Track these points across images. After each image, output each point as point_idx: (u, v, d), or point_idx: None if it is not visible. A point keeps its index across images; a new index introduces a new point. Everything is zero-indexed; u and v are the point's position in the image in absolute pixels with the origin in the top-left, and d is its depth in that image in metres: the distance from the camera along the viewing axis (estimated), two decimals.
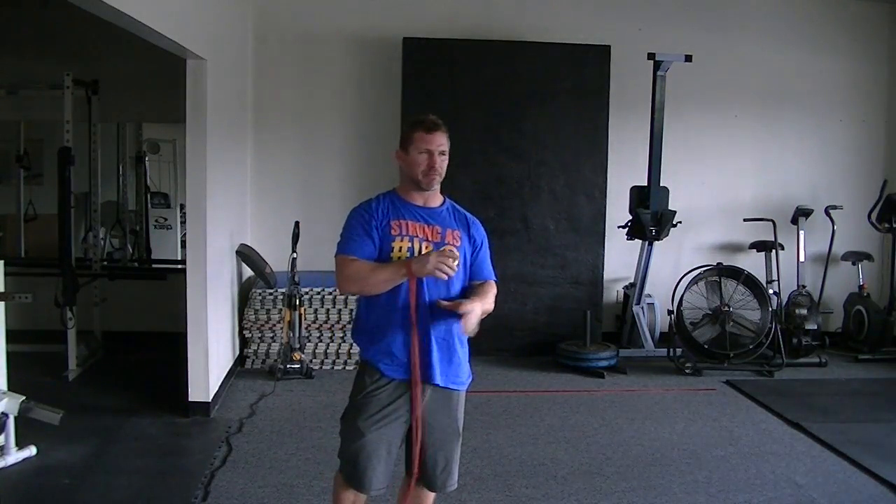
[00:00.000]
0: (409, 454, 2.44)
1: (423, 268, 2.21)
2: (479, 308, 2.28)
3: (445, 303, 2.29)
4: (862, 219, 6.29)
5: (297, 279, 5.27)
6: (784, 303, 6.09)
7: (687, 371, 5.59)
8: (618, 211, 5.99)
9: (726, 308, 5.68)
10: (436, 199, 2.44)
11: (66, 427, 3.67)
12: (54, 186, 5.23)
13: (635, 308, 5.96)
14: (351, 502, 2.43)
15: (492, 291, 2.42)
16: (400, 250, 2.31)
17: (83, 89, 5.54)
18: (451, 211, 2.46)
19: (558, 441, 4.19)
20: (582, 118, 5.99)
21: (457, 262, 2.27)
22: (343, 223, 2.41)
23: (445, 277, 2.21)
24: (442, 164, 2.36)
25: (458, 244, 2.38)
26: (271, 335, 5.43)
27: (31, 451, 3.68)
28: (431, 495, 2.54)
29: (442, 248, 2.27)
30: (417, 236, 2.34)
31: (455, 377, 2.40)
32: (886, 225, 6.12)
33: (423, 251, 2.31)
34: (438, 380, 2.35)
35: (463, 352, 2.44)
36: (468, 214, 2.50)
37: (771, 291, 5.88)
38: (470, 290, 2.40)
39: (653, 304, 6.13)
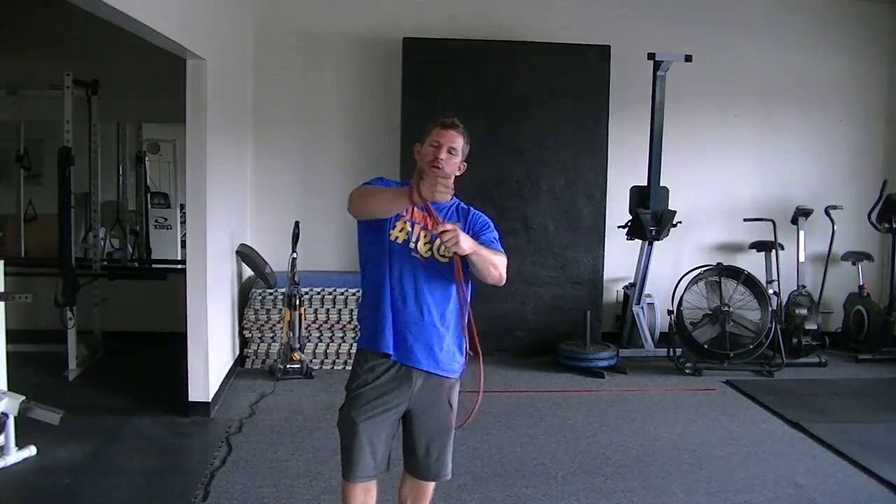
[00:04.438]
0: (404, 448, 2.50)
1: (428, 192, 2.15)
2: (467, 240, 2.22)
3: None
4: (862, 219, 6.29)
5: (297, 279, 5.27)
6: (784, 303, 6.09)
7: (687, 371, 5.59)
8: (618, 211, 6.00)
9: (726, 308, 5.68)
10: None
11: (66, 427, 3.68)
12: (54, 186, 5.23)
13: (635, 308, 5.96)
14: (361, 501, 2.45)
15: (494, 251, 2.38)
16: (401, 230, 2.36)
17: (83, 89, 5.54)
18: (455, 208, 2.50)
19: (558, 441, 4.19)
20: (582, 118, 5.99)
21: (451, 253, 2.26)
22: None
23: (445, 199, 2.16)
24: (449, 160, 2.39)
25: None
26: (271, 335, 5.43)
27: (31, 451, 3.69)
28: (430, 486, 2.58)
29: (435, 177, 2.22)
30: (418, 223, 2.38)
31: (445, 364, 2.42)
32: (886, 225, 6.12)
33: (421, 238, 2.37)
34: (427, 366, 2.38)
35: (453, 339, 2.45)
36: (472, 209, 2.53)
37: (771, 291, 5.88)
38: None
39: (653, 304, 6.13)
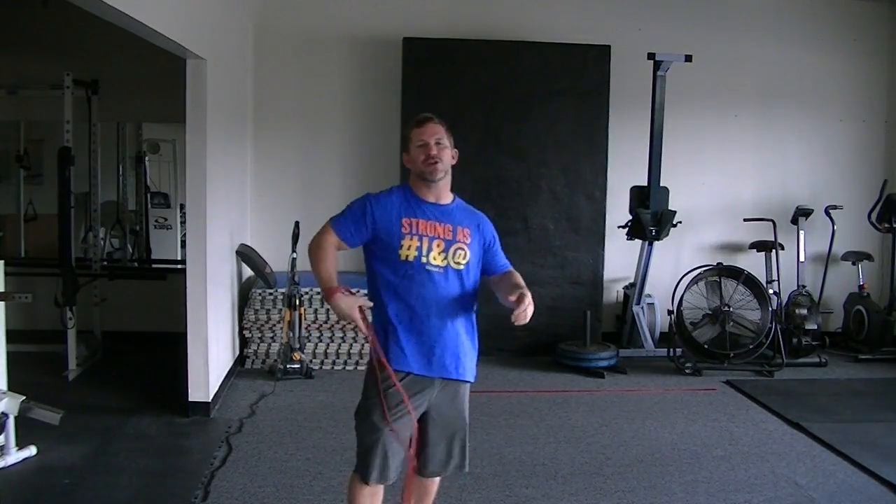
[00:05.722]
0: (421, 447, 2.51)
1: (338, 309, 2.35)
2: (530, 297, 2.31)
3: (512, 298, 2.31)
4: (862, 219, 6.28)
5: (297, 279, 5.27)
6: (784, 303, 6.09)
7: (687, 371, 5.59)
8: (618, 211, 5.99)
9: (726, 308, 5.68)
10: (446, 195, 2.47)
11: (66, 427, 3.67)
12: (54, 186, 5.23)
13: (635, 308, 5.95)
14: (369, 502, 2.47)
15: (520, 278, 2.48)
16: (409, 248, 2.34)
17: (83, 89, 5.54)
18: (461, 208, 2.50)
19: (558, 441, 4.19)
20: (582, 118, 5.99)
21: (466, 259, 2.38)
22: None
23: (350, 326, 2.26)
24: (441, 152, 2.39)
25: (469, 241, 2.42)
26: (271, 335, 5.43)
27: (31, 451, 3.68)
28: (435, 485, 2.62)
29: (360, 304, 2.36)
30: (428, 235, 2.36)
31: (468, 368, 2.45)
32: (886, 225, 6.11)
33: (434, 249, 2.35)
34: (452, 373, 2.41)
35: (471, 345, 2.48)
36: (477, 212, 2.54)
37: (771, 291, 5.88)
38: (497, 284, 2.46)
39: (653, 304, 6.12)
